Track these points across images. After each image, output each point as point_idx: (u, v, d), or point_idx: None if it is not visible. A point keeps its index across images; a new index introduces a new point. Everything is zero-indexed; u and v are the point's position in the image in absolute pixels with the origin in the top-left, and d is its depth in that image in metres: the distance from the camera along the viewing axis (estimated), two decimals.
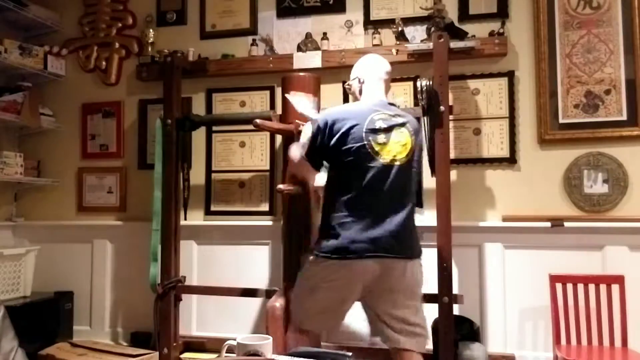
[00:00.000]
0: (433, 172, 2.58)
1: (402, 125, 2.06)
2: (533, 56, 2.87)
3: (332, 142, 2.02)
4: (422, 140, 2.20)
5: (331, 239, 1.97)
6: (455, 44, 2.73)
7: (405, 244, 1.99)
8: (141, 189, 3.31)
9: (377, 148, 1.99)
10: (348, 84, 2.31)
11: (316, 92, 2.75)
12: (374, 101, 2.14)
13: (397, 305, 2.01)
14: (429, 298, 2.48)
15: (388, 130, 2.02)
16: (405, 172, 2.03)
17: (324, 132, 2.05)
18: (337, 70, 3.01)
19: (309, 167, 2.17)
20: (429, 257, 2.63)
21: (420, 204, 2.28)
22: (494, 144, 2.90)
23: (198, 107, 3.30)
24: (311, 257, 2.07)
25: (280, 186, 2.47)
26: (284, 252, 2.72)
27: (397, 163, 2.00)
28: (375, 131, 2.00)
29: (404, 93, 3.02)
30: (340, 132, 2.00)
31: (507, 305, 2.82)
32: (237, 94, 3.27)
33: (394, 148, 2.01)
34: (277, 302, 2.42)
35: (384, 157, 1.99)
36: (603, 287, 2.50)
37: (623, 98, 2.75)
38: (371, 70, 2.21)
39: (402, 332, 2.00)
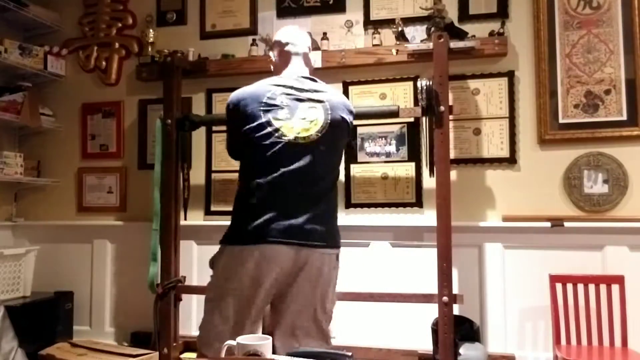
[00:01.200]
0: (431, 172, 2.58)
1: (313, 100, 1.87)
2: (533, 56, 2.87)
3: (238, 123, 1.85)
4: (344, 120, 1.92)
5: (238, 227, 1.80)
6: (455, 44, 2.73)
7: (318, 233, 1.77)
8: (141, 189, 3.31)
9: (277, 125, 1.79)
10: (269, 60, 2.15)
11: None
12: (284, 76, 1.96)
13: (310, 311, 1.81)
14: (428, 298, 2.49)
15: (292, 105, 1.83)
16: (314, 152, 1.80)
17: (233, 116, 1.89)
18: (337, 70, 3.01)
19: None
20: (429, 257, 2.66)
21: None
22: (494, 144, 2.90)
23: (198, 107, 3.29)
24: (215, 255, 1.86)
25: None
26: None
27: (302, 142, 1.79)
28: (275, 107, 1.82)
29: (404, 93, 3.02)
30: (244, 113, 1.83)
31: (507, 305, 2.82)
32: None
33: (298, 125, 1.81)
34: None
35: (286, 135, 1.79)
36: (603, 287, 2.50)
37: (623, 98, 2.75)
38: (290, 44, 2.05)
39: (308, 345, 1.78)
